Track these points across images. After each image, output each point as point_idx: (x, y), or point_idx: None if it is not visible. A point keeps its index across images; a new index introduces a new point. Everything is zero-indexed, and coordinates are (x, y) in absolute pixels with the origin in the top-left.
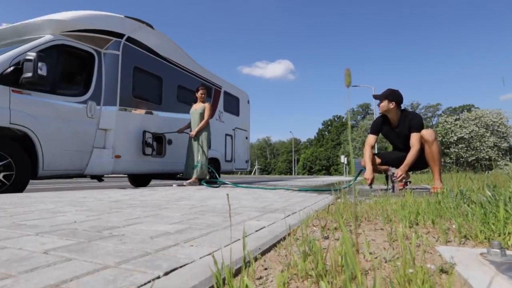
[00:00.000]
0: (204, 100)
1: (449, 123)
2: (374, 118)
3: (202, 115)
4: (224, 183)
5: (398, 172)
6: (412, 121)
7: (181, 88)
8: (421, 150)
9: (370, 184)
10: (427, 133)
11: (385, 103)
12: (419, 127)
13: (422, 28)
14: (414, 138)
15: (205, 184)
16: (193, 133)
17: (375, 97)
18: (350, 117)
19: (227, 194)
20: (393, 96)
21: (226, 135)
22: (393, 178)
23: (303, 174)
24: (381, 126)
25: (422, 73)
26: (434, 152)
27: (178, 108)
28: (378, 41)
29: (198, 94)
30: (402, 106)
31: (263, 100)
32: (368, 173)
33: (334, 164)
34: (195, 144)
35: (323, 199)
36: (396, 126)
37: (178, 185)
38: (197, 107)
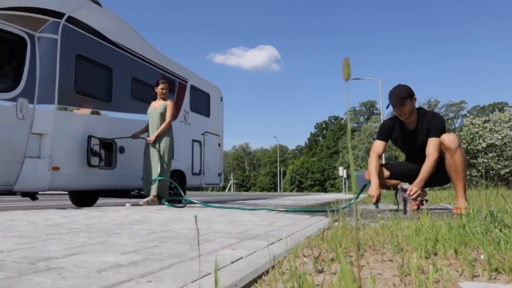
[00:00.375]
0: (166, 97)
1: (476, 125)
2: (381, 120)
3: (163, 115)
4: (191, 202)
5: (412, 188)
6: (431, 123)
7: (136, 81)
8: (441, 160)
9: (376, 203)
10: (448, 138)
11: (409, 105)
12: (438, 131)
13: (441, 2)
14: (432, 145)
15: (166, 203)
16: (152, 138)
17: (397, 102)
18: (350, 119)
19: (195, 216)
20: (411, 91)
21: (194, 141)
22: (405, 196)
23: (291, 190)
24: (391, 130)
25: (442, 63)
26: (457, 162)
27: (133, 106)
28: (385, 23)
29: (158, 90)
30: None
31: (240, 97)
32: (374, 189)
33: (330, 178)
34: (154, 152)
35: (316, 222)
36: (412, 130)
37: (133, 205)
38: (157, 105)
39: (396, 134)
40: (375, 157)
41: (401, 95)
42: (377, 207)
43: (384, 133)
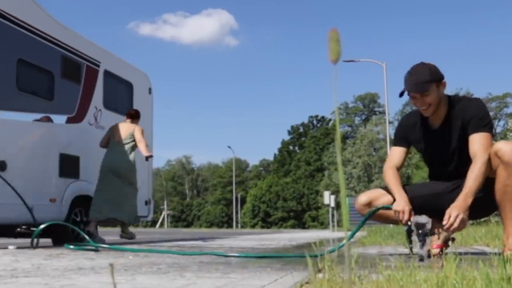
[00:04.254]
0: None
1: None
2: (386, 121)
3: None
4: (98, 247)
5: (452, 212)
6: (468, 111)
7: (24, 64)
8: (489, 180)
9: (408, 225)
10: (508, 148)
11: (434, 94)
12: (484, 123)
13: None
14: (478, 142)
15: (70, 246)
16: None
17: (416, 88)
18: (340, 120)
19: (111, 265)
20: (438, 73)
21: None
22: (421, 232)
23: (254, 226)
24: (413, 129)
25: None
26: None
27: (19, 102)
28: None
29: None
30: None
31: (178, 87)
32: (401, 203)
33: (311, 208)
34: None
35: (291, 273)
36: (439, 127)
37: (18, 247)
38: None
39: (418, 135)
40: (391, 170)
41: (423, 78)
42: (410, 230)
43: (403, 134)
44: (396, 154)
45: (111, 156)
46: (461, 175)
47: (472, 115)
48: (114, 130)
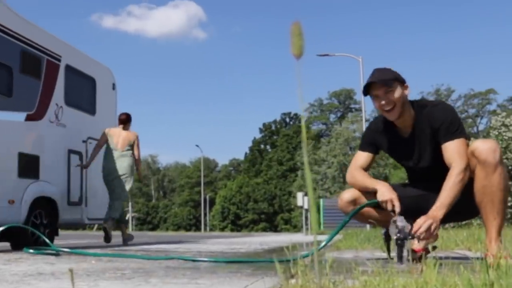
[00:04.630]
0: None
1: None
2: (363, 118)
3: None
4: (59, 251)
5: (423, 221)
6: (436, 115)
7: None
8: (468, 182)
9: (393, 211)
10: (485, 147)
11: (399, 92)
12: (454, 129)
13: None
14: (452, 151)
15: (30, 250)
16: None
17: (380, 79)
18: (314, 117)
19: (71, 270)
20: (401, 77)
21: (70, 152)
22: (400, 235)
23: (223, 229)
24: (381, 136)
25: (460, 31)
26: (495, 186)
27: None
28: None
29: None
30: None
31: (143, 82)
32: (386, 191)
33: (284, 210)
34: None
35: (262, 278)
36: (408, 136)
37: None
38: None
39: (388, 143)
40: (359, 170)
41: (387, 76)
42: (388, 233)
43: (372, 139)
44: (362, 158)
45: (113, 165)
46: (441, 180)
47: (440, 121)
48: (114, 137)
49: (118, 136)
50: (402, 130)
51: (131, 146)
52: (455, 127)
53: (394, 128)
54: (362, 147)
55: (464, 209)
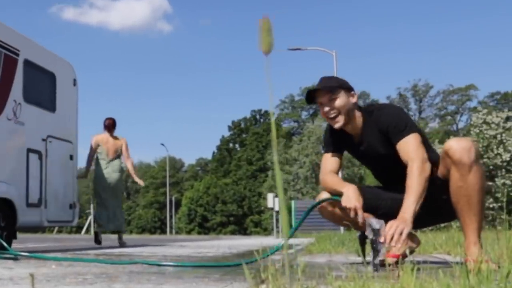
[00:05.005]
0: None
1: (493, 125)
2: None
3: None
4: (17, 255)
5: (392, 226)
6: (382, 121)
7: None
8: (444, 183)
9: (361, 229)
10: (459, 146)
11: (344, 99)
12: (401, 129)
13: None
14: (405, 150)
15: None
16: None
17: (323, 85)
18: (285, 115)
19: (31, 275)
20: (348, 84)
21: (29, 151)
22: (376, 240)
23: (189, 231)
24: (339, 138)
25: (432, 25)
26: (472, 187)
27: None
28: None
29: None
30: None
31: (105, 77)
32: (351, 197)
33: (253, 213)
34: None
35: (228, 286)
36: (360, 142)
37: None
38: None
39: (346, 146)
40: (330, 174)
41: (332, 83)
42: (363, 235)
43: (334, 140)
44: (329, 160)
45: (108, 173)
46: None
47: (387, 123)
48: (102, 144)
49: (106, 143)
50: (354, 137)
51: (120, 152)
52: (402, 125)
53: (347, 133)
54: (327, 149)
55: (442, 211)
